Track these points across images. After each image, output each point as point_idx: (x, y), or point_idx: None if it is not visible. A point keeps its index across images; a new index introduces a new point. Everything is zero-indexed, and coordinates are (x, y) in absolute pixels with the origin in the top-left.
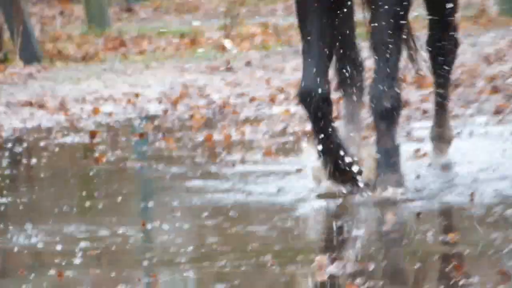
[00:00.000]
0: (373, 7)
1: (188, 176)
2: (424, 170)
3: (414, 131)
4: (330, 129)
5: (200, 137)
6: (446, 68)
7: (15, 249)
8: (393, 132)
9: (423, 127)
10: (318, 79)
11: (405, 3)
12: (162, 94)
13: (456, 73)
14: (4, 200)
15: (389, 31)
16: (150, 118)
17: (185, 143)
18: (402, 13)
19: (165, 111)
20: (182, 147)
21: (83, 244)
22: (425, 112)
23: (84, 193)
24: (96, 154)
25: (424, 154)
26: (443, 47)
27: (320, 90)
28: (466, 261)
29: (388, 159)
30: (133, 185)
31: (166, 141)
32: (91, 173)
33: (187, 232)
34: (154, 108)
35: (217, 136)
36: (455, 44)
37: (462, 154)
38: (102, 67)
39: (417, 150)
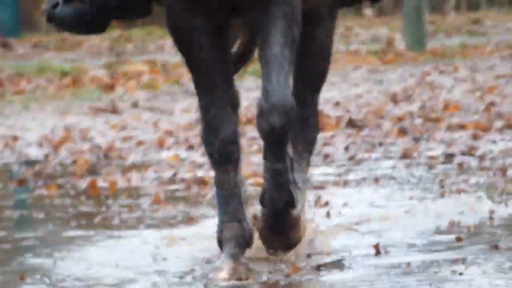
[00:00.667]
0: (261, 19)
1: (71, 226)
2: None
3: (314, 178)
4: (236, 183)
5: (83, 184)
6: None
7: None
8: (281, 151)
9: (324, 173)
10: (224, 115)
11: (297, 17)
12: (43, 138)
13: (361, 113)
14: None
15: (281, 43)
16: (30, 163)
17: (67, 190)
18: (294, 28)
19: (47, 156)
20: (65, 195)
21: None
22: (326, 156)
23: None
24: None
25: (326, 203)
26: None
27: (227, 129)
28: None
29: (276, 180)
30: (11, 236)
31: (48, 188)
32: None
33: None
34: (34, 153)
35: (102, 183)
36: (316, 128)
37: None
38: None
39: (318, 199)
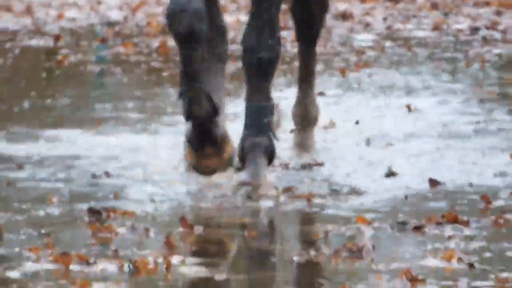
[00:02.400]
0: None
1: (143, 82)
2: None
3: (356, 42)
4: (201, 73)
5: (156, 43)
6: (312, 36)
7: None
8: (268, 87)
9: (365, 39)
10: None
11: None
12: (122, 2)
13: None
14: None
15: None
16: (111, 24)
17: (141, 48)
18: None
19: (125, 18)
20: (139, 52)
21: (41, 143)
22: (367, 25)
23: (46, 93)
24: (59, 57)
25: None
26: (309, 11)
27: (196, 7)
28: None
29: (260, 118)
30: (92, 87)
31: (125, 46)
32: (53, 74)
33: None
34: (115, 15)
35: (171, 43)
36: (323, 8)
37: None
38: None
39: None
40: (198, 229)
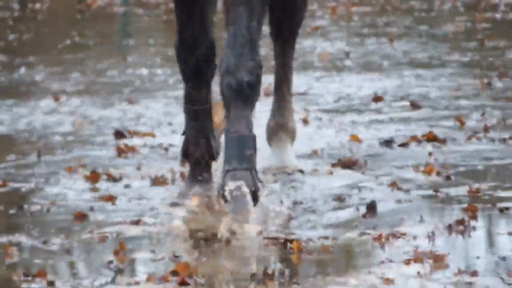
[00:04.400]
0: None
1: (162, 21)
2: None
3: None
4: (207, 100)
5: None
6: (293, 27)
7: (18, 79)
8: (249, 116)
9: None
10: (201, 32)
11: None
12: None
13: None
14: (12, 37)
15: None
16: None
17: None
18: None
19: None
20: None
21: (75, 74)
22: None
23: (77, 32)
24: (89, 0)
25: None
26: (289, 4)
27: (203, 46)
28: None
29: (241, 150)
30: (118, 26)
31: None
32: (83, 16)
33: (161, 64)
34: None
35: None
36: (304, 1)
37: None
38: None
39: None
40: None
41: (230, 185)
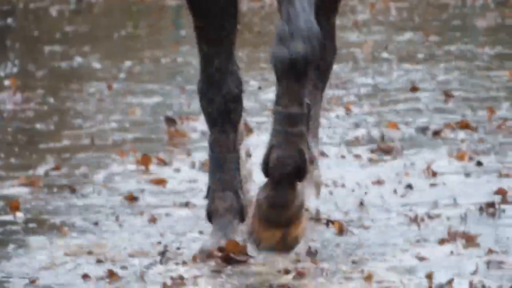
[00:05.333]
0: None
1: None
2: None
3: None
4: (234, 146)
5: None
6: (320, 84)
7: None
8: (301, 91)
9: None
10: (228, 68)
11: None
12: None
13: None
14: (68, 28)
15: None
16: None
17: None
18: None
19: None
20: None
21: (127, 63)
22: None
23: (132, 24)
24: None
25: None
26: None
27: (231, 84)
28: None
29: (289, 127)
30: (170, 19)
31: None
32: (138, 9)
33: None
34: None
35: None
36: (333, 52)
37: None
38: None
39: None
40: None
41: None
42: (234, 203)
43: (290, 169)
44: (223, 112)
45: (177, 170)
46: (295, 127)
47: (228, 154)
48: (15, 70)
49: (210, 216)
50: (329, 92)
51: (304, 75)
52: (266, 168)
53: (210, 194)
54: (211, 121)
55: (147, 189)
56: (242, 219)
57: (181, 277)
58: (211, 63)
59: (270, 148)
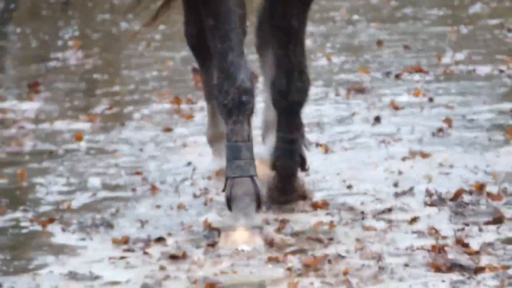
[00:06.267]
0: None
1: None
2: None
3: None
4: (249, 136)
5: None
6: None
7: (122, 30)
8: (299, 122)
9: None
10: (240, 62)
11: None
12: None
13: None
14: (115, 1)
15: (296, 14)
16: None
17: None
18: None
19: None
20: None
21: (162, 27)
22: None
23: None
24: None
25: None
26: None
27: (244, 77)
28: None
29: (296, 151)
30: None
31: None
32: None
33: None
34: None
35: None
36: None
37: None
38: None
39: None
40: None
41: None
42: (251, 188)
43: (293, 171)
44: (238, 104)
45: (202, 108)
46: (294, 145)
47: (243, 144)
48: (76, 33)
49: (229, 202)
50: (314, 45)
51: (299, 111)
52: (274, 169)
53: (229, 182)
54: (227, 112)
55: (179, 122)
56: (258, 204)
57: (206, 189)
58: (225, 59)
59: (275, 158)
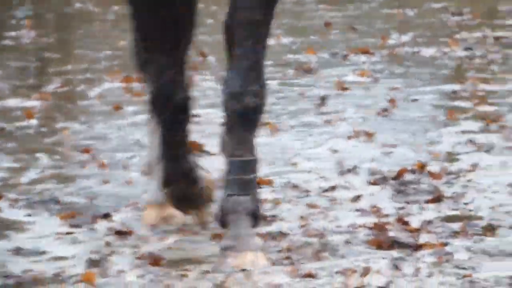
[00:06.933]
0: None
1: None
2: None
3: None
4: (182, 149)
5: None
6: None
7: (76, 10)
8: (252, 141)
9: None
10: (179, 79)
11: None
12: None
13: None
14: None
15: (259, 9)
16: None
17: None
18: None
19: None
20: None
21: (115, 7)
22: None
23: None
24: None
25: None
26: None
27: (181, 95)
28: None
29: (243, 175)
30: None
31: None
32: None
33: None
34: None
35: None
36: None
37: None
38: None
39: None
40: None
41: (228, 211)
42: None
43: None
44: (173, 122)
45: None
46: (249, 173)
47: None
48: (29, 13)
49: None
50: None
51: (255, 124)
52: (223, 215)
53: (164, 176)
54: (161, 127)
55: (130, 101)
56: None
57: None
58: (164, 75)
59: (226, 197)
